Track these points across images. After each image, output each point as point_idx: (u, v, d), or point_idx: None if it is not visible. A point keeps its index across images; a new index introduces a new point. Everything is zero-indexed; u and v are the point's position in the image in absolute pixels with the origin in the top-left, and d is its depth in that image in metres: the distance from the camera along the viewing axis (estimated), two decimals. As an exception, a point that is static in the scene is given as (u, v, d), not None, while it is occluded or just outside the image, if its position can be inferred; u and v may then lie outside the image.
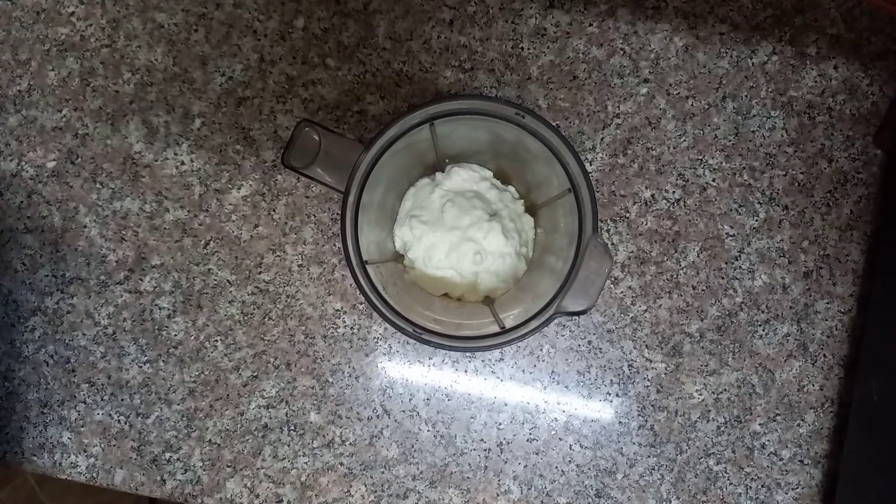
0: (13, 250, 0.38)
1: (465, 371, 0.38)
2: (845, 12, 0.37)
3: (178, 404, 0.38)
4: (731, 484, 0.38)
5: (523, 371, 0.38)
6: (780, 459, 0.38)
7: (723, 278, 0.38)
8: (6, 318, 0.38)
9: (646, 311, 0.38)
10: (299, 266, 0.38)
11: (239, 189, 0.38)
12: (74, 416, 0.38)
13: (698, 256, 0.38)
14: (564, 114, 0.37)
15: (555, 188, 0.34)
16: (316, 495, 0.38)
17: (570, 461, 0.38)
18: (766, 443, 0.38)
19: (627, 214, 0.38)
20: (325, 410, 0.38)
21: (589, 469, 0.38)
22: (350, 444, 0.38)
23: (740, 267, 0.38)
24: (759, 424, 0.38)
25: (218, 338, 0.38)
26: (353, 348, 0.38)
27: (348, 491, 0.38)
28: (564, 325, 0.38)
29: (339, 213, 0.29)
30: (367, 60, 0.37)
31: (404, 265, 0.36)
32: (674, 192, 0.38)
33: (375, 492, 0.38)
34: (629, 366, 0.38)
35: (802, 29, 0.37)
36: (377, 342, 0.38)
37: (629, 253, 0.38)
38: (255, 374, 0.38)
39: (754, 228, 0.38)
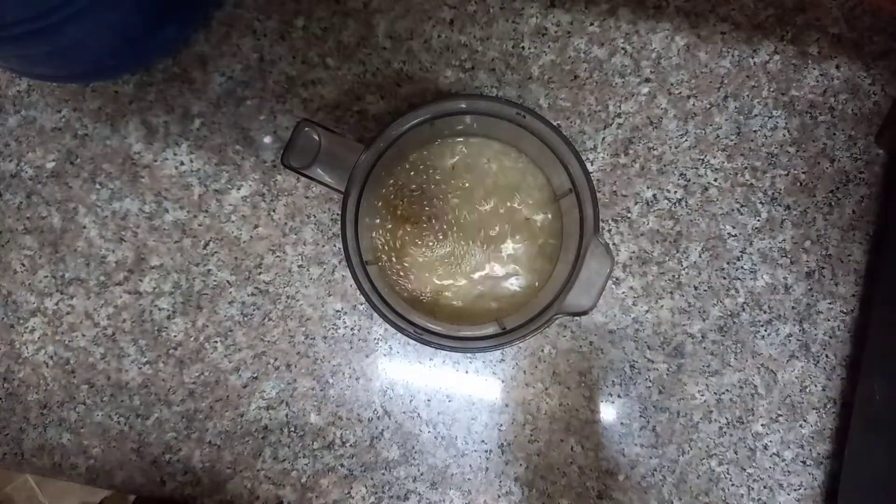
0: (12, 251, 0.38)
1: (466, 372, 0.38)
2: (847, 12, 0.37)
3: (178, 405, 0.38)
4: (733, 485, 0.38)
5: (524, 372, 0.38)
6: (783, 460, 0.38)
7: (725, 278, 0.38)
8: (6, 318, 0.38)
9: (647, 311, 0.38)
10: (299, 266, 0.37)
11: (239, 189, 0.37)
12: (74, 418, 0.38)
13: (700, 257, 0.38)
14: (565, 113, 0.37)
15: (556, 188, 0.34)
16: (316, 497, 0.38)
17: (571, 462, 0.38)
18: (769, 444, 0.38)
19: (629, 214, 0.37)
20: (325, 412, 0.38)
21: (591, 470, 0.38)
22: (350, 445, 0.38)
23: (742, 267, 0.38)
24: (762, 425, 0.38)
25: (218, 339, 0.38)
26: (353, 349, 0.38)
27: (349, 492, 0.38)
28: (566, 326, 0.38)
29: (340, 213, 0.29)
30: (366, 60, 0.37)
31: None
32: (675, 191, 0.37)
33: (376, 493, 0.38)
34: (631, 366, 0.38)
35: (804, 28, 0.37)
36: (377, 343, 0.38)
37: (630, 253, 0.38)
38: (255, 375, 0.38)
39: (756, 228, 0.38)
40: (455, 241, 0.34)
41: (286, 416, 0.38)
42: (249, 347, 0.38)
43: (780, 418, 0.38)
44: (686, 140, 0.37)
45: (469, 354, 0.37)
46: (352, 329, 0.38)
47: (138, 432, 0.38)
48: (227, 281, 0.38)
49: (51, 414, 0.38)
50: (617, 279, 0.38)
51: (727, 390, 0.38)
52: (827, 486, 0.38)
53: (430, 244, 0.34)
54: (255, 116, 0.37)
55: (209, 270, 0.38)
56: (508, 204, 0.34)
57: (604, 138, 0.37)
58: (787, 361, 0.38)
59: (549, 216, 0.34)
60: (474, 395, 0.38)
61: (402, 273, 0.34)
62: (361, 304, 0.37)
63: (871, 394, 0.36)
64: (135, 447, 0.38)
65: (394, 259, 0.34)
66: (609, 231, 0.37)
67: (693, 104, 0.37)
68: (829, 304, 0.38)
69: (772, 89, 0.37)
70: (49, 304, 0.38)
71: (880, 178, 0.38)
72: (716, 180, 0.37)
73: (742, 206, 0.38)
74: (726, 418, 0.38)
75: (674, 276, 0.38)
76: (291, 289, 0.38)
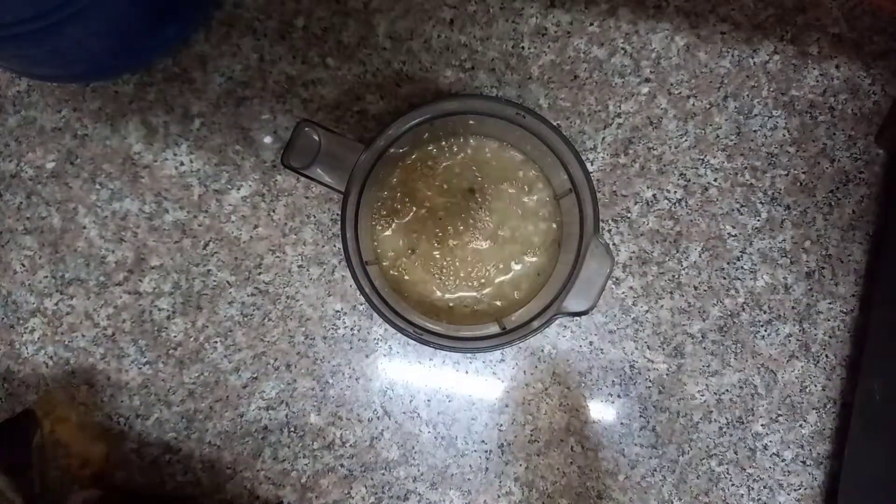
0: (12, 251, 0.38)
1: (466, 372, 0.38)
2: (847, 11, 0.37)
3: (178, 406, 0.38)
4: (733, 485, 0.38)
5: (524, 372, 0.38)
6: (783, 460, 0.38)
7: (725, 278, 0.38)
8: (5, 319, 0.38)
9: (647, 311, 0.38)
10: (299, 267, 0.37)
11: (238, 189, 0.37)
12: (74, 418, 0.38)
13: (700, 257, 0.38)
14: (565, 113, 0.37)
15: (556, 188, 0.34)
16: (316, 497, 0.38)
17: (571, 462, 0.38)
18: (769, 444, 0.38)
19: (629, 214, 0.37)
20: (325, 412, 0.38)
21: (591, 471, 0.38)
22: (350, 445, 0.38)
23: (742, 267, 0.38)
24: (762, 425, 0.38)
25: (217, 339, 0.38)
26: (353, 349, 0.38)
27: (349, 493, 0.38)
28: (566, 326, 0.38)
29: (339, 213, 0.29)
30: (367, 60, 0.37)
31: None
32: (675, 191, 0.37)
33: (376, 493, 0.38)
34: (631, 366, 0.38)
35: (804, 28, 0.37)
36: (377, 343, 0.38)
37: (630, 253, 0.38)
38: (254, 375, 0.38)
39: (756, 228, 0.38)
40: (454, 240, 0.34)
41: (286, 416, 0.38)
42: (249, 347, 0.38)
43: (780, 418, 0.38)
44: (686, 140, 0.37)
45: (469, 354, 0.37)
46: (352, 329, 0.38)
47: (138, 433, 0.38)
48: (227, 281, 0.38)
49: (51, 414, 0.38)
50: (617, 279, 0.38)
51: (727, 390, 0.38)
52: (827, 486, 0.38)
53: (429, 243, 0.34)
54: (256, 116, 0.37)
55: (209, 270, 0.38)
56: (509, 203, 0.34)
57: (604, 138, 0.37)
58: (787, 361, 0.38)
59: (550, 216, 0.34)
60: (474, 395, 0.38)
61: (399, 272, 0.34)
62: (361, 304, 0.37)
63: (870, 394, 0.36)
64: (135, 447, 0.38)
65: (393, 258, 0.34)
66: (609, 231, 0.37)
67: (693, 104, 0.37)
68: (829, 304, 0.38)
69: (772, 89, 0.37)
70: (49, 305, 0.38)
71: (880, 178, 0.38)
72: (716, 180, 0.37)
73: (742, 206, 0.38)
74: (726, 418, 0.38)
75: (674, 276, 0.38)
76: (291, 289, 0.38)
